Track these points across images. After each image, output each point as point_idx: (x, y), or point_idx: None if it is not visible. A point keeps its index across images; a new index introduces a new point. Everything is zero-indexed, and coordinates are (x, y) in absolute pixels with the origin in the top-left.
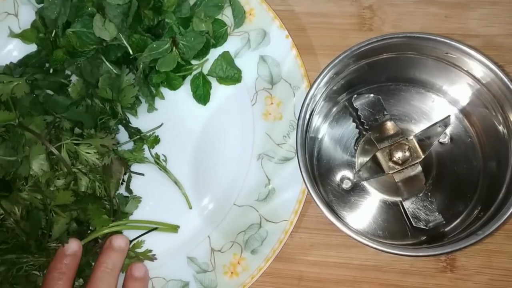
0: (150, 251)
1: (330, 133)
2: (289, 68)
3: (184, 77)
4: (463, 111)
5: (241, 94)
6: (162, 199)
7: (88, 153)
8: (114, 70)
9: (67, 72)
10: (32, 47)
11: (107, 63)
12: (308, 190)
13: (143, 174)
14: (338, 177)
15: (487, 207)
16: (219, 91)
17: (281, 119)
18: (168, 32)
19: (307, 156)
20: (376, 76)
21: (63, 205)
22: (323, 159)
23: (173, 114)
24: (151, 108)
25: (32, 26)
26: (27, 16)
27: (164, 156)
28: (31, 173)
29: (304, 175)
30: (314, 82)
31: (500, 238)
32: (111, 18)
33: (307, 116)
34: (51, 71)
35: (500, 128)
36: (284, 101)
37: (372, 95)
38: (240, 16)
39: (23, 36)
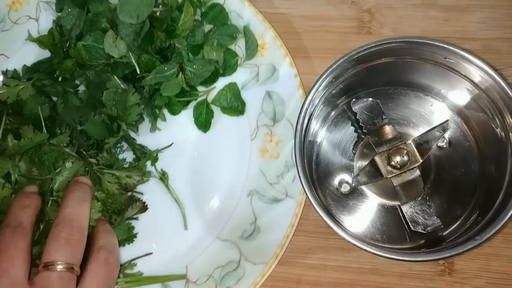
0: (141, 273)
1: (329, 137)
2: (293, 108)
3: (188, 103)
4: (462, 115)
5: (242, 127)
6: (145, 220)
7: (110, 182)
8: (121, 85)
9: (77, 82)
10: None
11: (116, 78)
12: (306, 194)
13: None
14: (336, 181)
15: (485, 211)
16: (221, 120)
17: (277, 158)
18: (176, 57)
19: (305, 160)
20: (375, 80)
21: None
22: (322, 163)
23: (172, 137)
24: (154, 128)
25: (49, 32)
26: (46, 22)
27: (166, 173)
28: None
29: (303, 179)
30: (313, 86)
31: (498, 242)
32: (123, 36)
33: (306, 120)
34: (59, 79)
35: (498, 132)
36: (284, 140)
37: (370, 99)
38: (252, 48)
39: (40, 41)
